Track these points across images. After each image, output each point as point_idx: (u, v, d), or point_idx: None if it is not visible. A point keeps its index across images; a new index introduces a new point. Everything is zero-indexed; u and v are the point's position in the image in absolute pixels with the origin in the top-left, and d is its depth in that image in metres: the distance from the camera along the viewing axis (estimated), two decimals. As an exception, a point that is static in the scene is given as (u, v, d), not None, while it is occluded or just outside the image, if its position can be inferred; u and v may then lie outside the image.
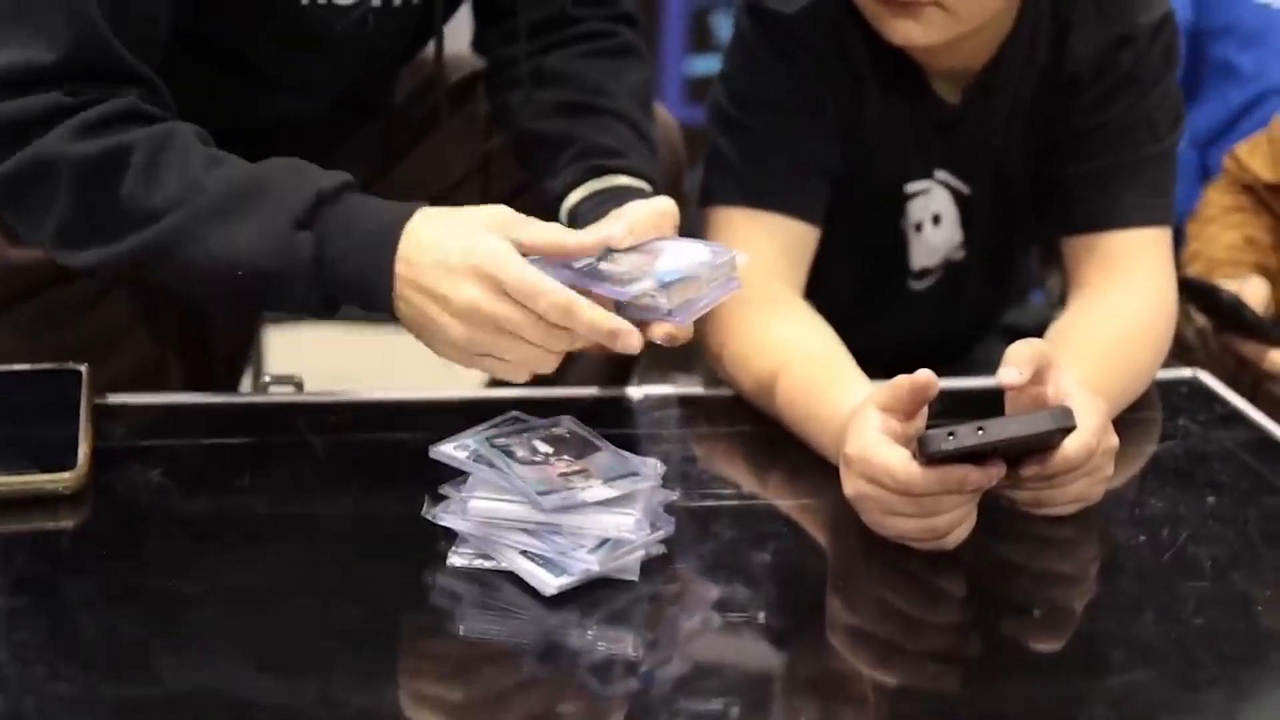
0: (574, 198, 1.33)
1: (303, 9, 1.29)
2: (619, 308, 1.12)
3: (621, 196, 1.28)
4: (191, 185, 1.15)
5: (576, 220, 1.30)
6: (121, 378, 1.34)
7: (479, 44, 1.52)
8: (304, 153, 1.19)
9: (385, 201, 1.16)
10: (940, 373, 1.10)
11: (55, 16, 1.15)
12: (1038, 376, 1.10)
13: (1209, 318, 1.76)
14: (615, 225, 1.16)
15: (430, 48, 1.42)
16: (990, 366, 1.13)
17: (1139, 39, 1.44)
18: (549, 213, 1.32)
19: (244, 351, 1.65)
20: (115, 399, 1.29)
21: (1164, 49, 1.45)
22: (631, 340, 1.09)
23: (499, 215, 1.13)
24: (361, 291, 1.14)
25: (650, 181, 1.35)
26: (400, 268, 1.12)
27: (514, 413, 1.16)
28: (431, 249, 1.11)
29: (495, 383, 1.72)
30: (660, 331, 1.12)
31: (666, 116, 1.67)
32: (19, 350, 1.30)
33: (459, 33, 1.52)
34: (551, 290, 1.08)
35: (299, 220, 1.13)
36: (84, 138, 1.15)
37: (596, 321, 1.08)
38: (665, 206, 1.23)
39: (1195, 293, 1.76)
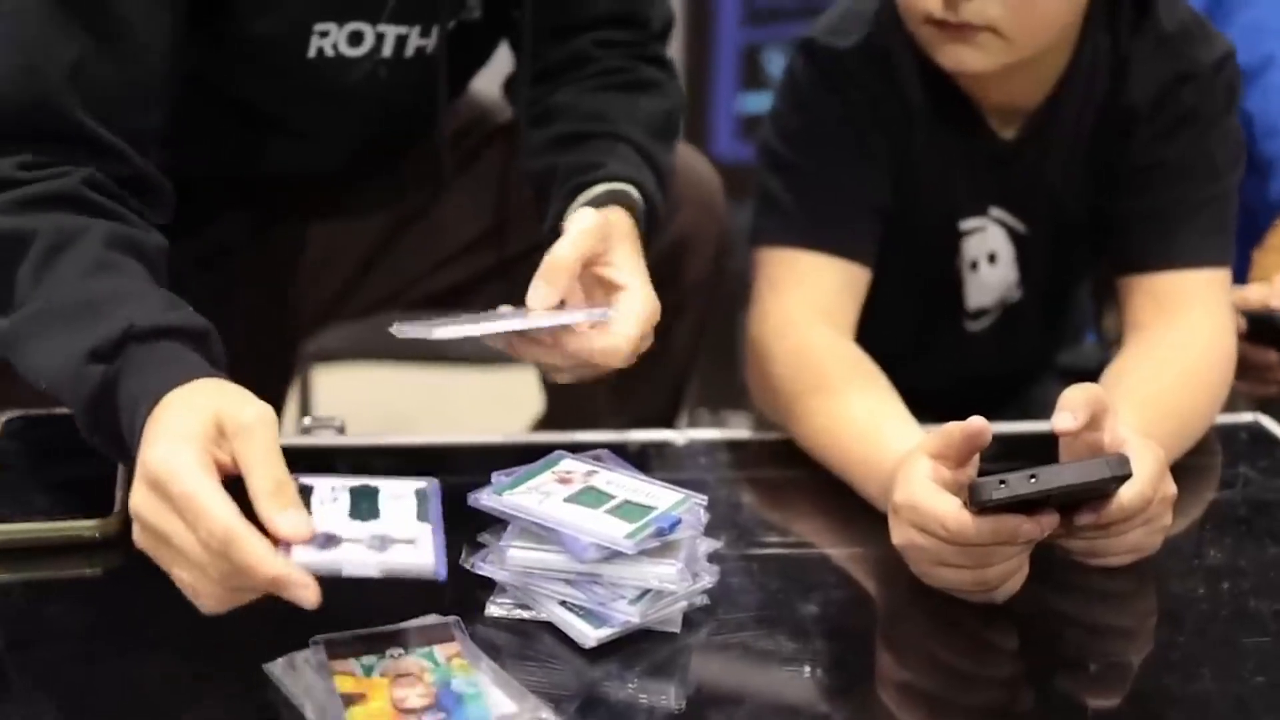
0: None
1: (309, 61, 1.27)
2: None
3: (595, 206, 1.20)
4: (52, 289, 1.07)
5: None
6: None
7: (508, 88, 1.48)
8: (321, 204, 1.15)
9: (183, 359, 1.02)
10: (994, 415, 1.08)
11: (17, 77, 1.11)
12: (1093, 422, 1.07)
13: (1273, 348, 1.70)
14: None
15: (468, 96, 1.37)
16: (1046, 408, 1.10)
17: (1200, 76, 1.41)
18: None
19: (278, 403, 1.60)
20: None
21: (1226, 87, 1.42)
22: (307, 595, 0.90)
23: (225, 422, 0.94)
24: (130, 454, 0.99)
25: (633, 183, 1.25)
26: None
27: (559, 452, 1.14)
28: (145, 437, 0.96)
29: (540, 426, 1.71)
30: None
31: (707, 168, 1.61)
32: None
33: (497, 78, 1.50)
34: (213, 512, 0.89)
35: (95, 352, 1.02)
36: (8, 213, 1.10)
37: (259, 562, 0.89)
38: (589, 224, 1.14)
39: (1256, 326, 1.70)
